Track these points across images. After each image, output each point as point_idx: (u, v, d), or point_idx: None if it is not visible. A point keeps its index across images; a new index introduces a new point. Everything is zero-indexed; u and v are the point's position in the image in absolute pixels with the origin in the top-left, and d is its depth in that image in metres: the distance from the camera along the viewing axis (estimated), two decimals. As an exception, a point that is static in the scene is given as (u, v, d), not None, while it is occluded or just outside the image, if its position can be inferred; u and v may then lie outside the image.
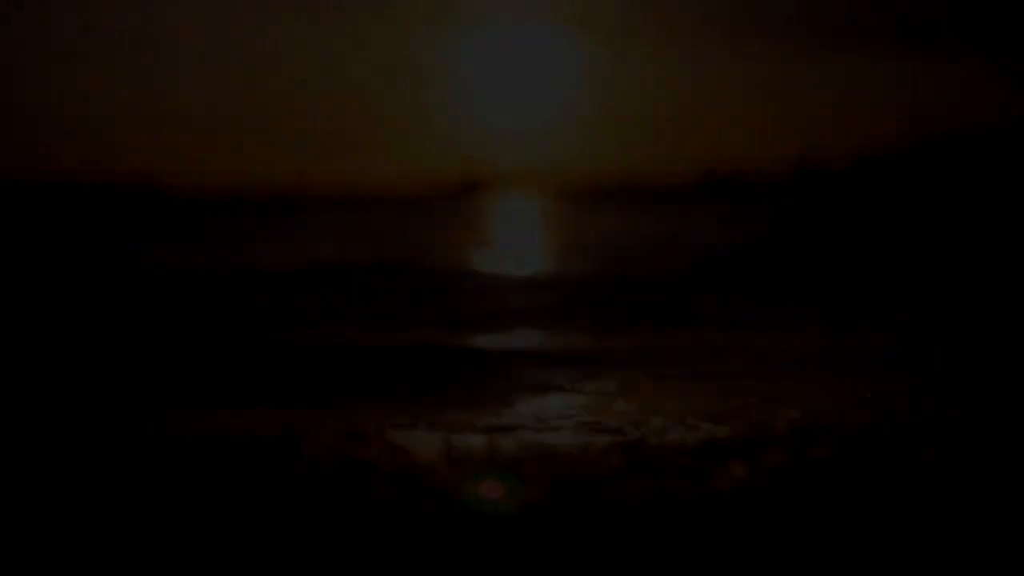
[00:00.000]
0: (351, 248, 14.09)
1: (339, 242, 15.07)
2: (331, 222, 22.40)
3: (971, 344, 5.68)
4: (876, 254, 12.65)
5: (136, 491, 2.77)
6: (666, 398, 4.17)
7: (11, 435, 3.50)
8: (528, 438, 3.52)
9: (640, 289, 8.63)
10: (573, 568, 2.29)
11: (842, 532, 2.45)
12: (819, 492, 2.71)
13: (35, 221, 21.33)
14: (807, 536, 2.43)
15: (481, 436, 3.47)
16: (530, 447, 3.27)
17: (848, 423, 3.64)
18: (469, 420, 3.75)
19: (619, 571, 2.27)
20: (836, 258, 12.11)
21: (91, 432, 3.51)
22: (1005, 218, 19.93)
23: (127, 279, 9.54)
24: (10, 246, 14.20)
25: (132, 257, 12.31)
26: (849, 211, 23.01)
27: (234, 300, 7.83)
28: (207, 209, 27.29)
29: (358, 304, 7.65)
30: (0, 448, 3.30)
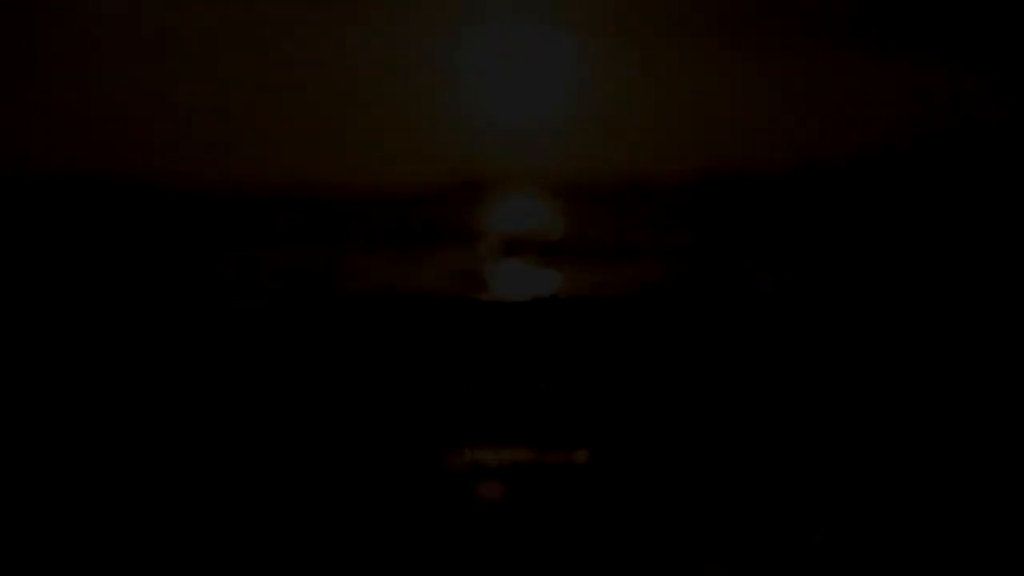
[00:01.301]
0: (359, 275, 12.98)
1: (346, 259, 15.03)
2: (332, 224, 22.41)
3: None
4: (877, 257, 12.66)
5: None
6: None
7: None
8: None
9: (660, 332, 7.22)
10: None
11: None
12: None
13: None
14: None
15: None
16: None
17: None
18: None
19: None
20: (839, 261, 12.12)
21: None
22: (997, 218, 19.94)
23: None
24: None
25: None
26: (849, 210, 23.03)
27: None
28: (205, 209, 27.27)
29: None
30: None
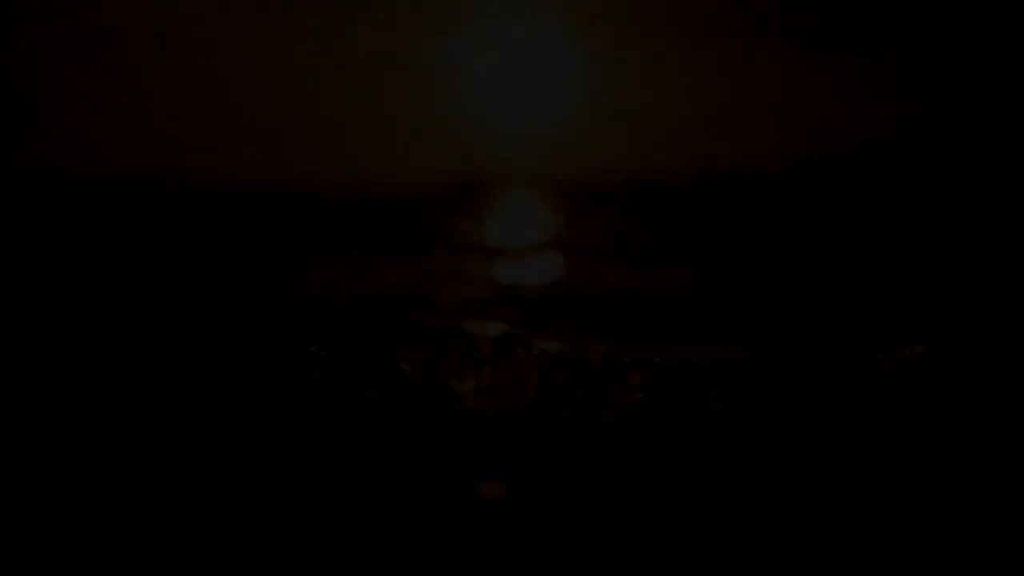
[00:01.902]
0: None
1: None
2: (332, 225, 22.37)
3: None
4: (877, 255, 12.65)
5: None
6: None
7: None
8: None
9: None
10: None
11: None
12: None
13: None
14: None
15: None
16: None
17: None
18: None
19: None
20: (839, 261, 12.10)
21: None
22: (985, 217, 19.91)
23: None
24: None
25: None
26: (849, 209, 22.98)
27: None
28: (204, 209, 27.12)
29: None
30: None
